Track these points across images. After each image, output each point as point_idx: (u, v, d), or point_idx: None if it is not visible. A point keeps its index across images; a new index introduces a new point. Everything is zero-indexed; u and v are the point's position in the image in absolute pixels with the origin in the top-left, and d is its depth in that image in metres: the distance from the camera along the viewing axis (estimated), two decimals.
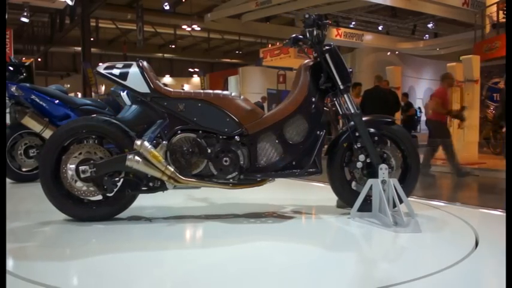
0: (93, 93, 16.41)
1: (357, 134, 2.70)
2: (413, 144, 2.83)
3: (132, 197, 2.62)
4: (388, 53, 21.04)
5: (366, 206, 2.62)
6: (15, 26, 16.97)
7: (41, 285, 1.61)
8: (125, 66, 2.58)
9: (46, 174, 2.54)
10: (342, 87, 2.68)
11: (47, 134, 3.86)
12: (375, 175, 2.59)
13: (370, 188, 2.57)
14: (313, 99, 2.68)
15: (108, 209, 2.59)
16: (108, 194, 2.59)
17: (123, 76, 2.55)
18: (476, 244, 2.14)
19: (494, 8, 12.65)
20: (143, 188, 2.58)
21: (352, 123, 2.71)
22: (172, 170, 2.51)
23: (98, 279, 1.72)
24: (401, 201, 2.51)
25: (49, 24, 20.81)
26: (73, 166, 2.53)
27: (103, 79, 2.64)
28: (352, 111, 2.70)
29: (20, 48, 20.31)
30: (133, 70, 2.56)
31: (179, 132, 2.60)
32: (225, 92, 2.69)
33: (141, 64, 2.58)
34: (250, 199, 3.22)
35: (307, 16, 2.70)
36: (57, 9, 17.70)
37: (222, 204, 3.12)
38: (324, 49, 2.69)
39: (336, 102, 2.80)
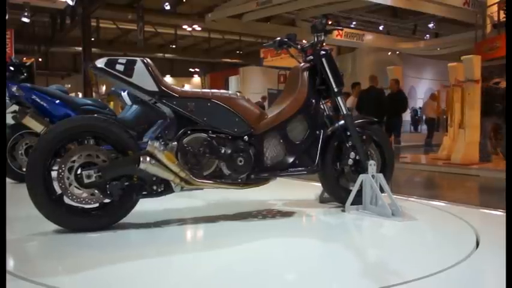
0: (93, 93, 16.39)
1: (348, 134, 2.83)
2: (390, 143, 3.06)
3: (134, 202, 2.42)
4: (389, 53, 21.01)
5: (355, 200, 2.78)
6: (15, 26, 16.95)
7: (41, 285, 1.61)
8: (128, 63, 2.36)
9: (36, 179, 2.24)
10: (336, 89, 2.82)
11: None
12: (361, 171, 2.78)
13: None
14: (313, 100, 2.80)
15: (109, 217, 2.37)
16: (107, 200, 2.36)
17: (128, 73, 2.34)
18: (477, 244, 2.14)
19: (495, 8, 12.65)
20: (144, 193, 2.41)
21: (342, 122, 2.85)
22: (187, 171, 2.41)
23: (98, 279, 1.72)
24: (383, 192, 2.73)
25: (50, 24, 20.80)
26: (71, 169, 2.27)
27: (103, 76, 2.40)
28: (344, 112, 2.84)
29: (21, 48, 20.28)
30: (140, 66, 2.36)
31: (189, 132, 2.52)
32: (231, 92, 2.70)
33: (145, 61, 2.39)
34: (248, 199, 3.22)
35: (323, 21, 2.81)
36: (58, 10, 17.70)
37: (221, 205, 3.12)
38: (321, 53, 2.81)
39: (323, 105, 2.93)
